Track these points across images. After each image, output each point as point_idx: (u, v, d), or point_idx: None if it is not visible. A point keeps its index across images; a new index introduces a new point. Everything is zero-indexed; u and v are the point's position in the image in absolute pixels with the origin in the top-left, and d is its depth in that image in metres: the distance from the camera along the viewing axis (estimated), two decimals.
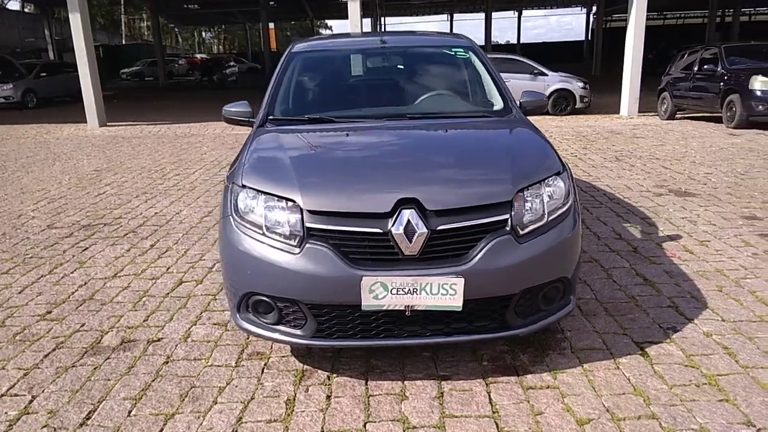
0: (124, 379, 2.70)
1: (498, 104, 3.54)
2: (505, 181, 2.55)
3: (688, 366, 2.68)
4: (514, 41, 45.47)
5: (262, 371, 2.74)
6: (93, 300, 3.60)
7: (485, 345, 2.85)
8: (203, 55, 46.74)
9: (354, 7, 12.81)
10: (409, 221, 2.36)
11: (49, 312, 3.45)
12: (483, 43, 32.14)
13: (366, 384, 2.62)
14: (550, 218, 2.54)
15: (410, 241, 2.36)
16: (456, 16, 44.61)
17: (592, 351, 2.84)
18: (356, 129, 3.23)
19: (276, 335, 2.57)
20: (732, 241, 4.30)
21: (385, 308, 2.38)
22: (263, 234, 2.50)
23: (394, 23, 43.95)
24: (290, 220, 2.45)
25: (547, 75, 13.11)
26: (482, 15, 34.96)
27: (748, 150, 8.12)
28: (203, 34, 70.44)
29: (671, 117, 11.89)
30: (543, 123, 10.68)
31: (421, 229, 2.36)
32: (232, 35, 70.68)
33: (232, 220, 2.60)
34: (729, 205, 5.31)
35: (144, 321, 3.30)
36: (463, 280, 2.33)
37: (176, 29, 59.10)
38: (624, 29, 12.79)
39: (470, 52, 3.94)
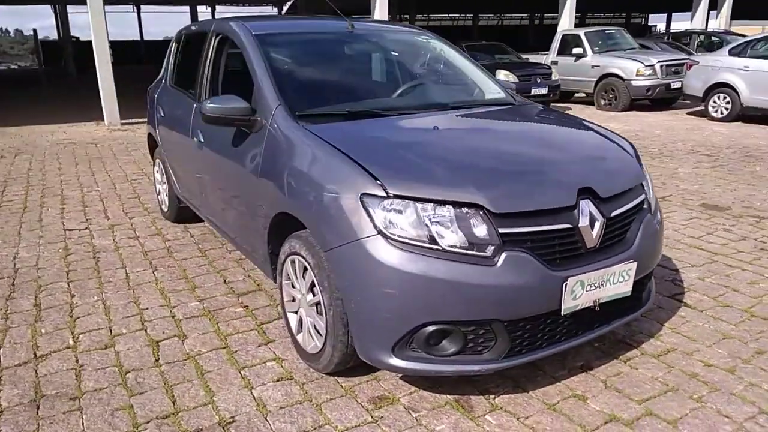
0: None
1: (500, 92, 3.49)
2: (634, 162, 2.57)
3: None
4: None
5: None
6: None
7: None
8: None
9: None
10: (590, 212, 2.20)
11: None
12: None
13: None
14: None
15: (593, 233, 2.19)
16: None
17: None
18: (431, 122, 2.85)
19: (455, 367, 2.18)
20: None
21: (578, 308, 2.18)
22: (441, 249, 2.07)
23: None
24: (477, 228, 2.08)
25: None
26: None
27: None
28: None
29: None
30: None
31: (600, 219, 2.24)
32: None
33: (381, 241, 2.09)
34: None
35: None
36: (635, 263, 2.29)
37: None
38: None
39: (439, 41, 3.87)
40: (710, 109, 10.24)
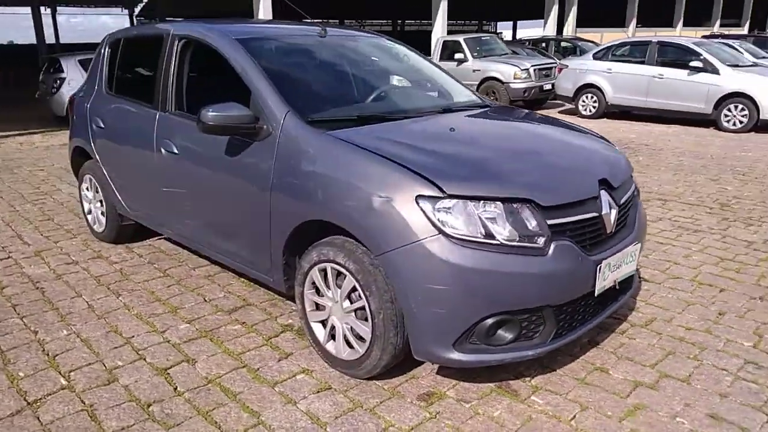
0: None
1: (471, 94, 3.70)
2: (622, 155, 2.88)
3: None
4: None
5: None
6: None
7: None
8: None
9: None
10: (608, 200, 2.47)
11: None
12: None
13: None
14: None
15: (611, 219, 2.46)
16: None
17: None
18: (444, 125, 2.99)
19: (512, 354, 2.31)
20: None
21: (605, 288, 2.43)
22: (499, 244, 2.19)
23: None
24: (529, 222, 2.23)
25: None
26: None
27: None
28: None
29: None
30: None
31: (614, 206, 2.50)
32: None
33: (442, 240, 2.17)
34: None
35: None
36: (640, 245, 2.59)
37: None
38: None
39: (404, 46, 4.01)
40: (580, 107, 11.39)
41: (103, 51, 4.20)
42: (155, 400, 2.48)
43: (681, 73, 9.90)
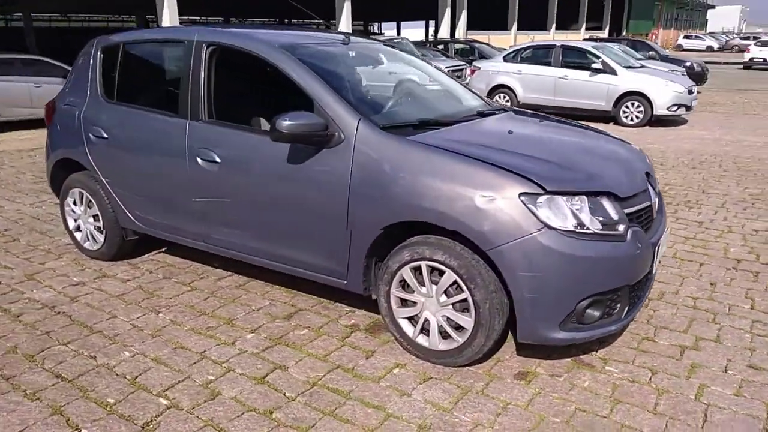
0: None
1: (481, 98, 4.02)
2: (643, 152, 3.35)
3: None
4: None
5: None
6: None
7: None
8: None
9: None
10: (651, 190, 2.90)
11: None
12: None
13: None
14: None
15: (655, 207, 2.90)
16: None
17: None
18: (501, 127, 3.30)
19: (599, 330, 2.65)
20: None
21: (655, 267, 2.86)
22: (593, 233, 2.51)
23: None
24: (612, 212, 2.58)
25: None
26: None
27: None
28: None
29: None
30: None
31: (656, 195, 2.95)
32: None
33: (549, 232, 2.45)
34: None
35: None
36: (668, 229, 3.06)
37: None
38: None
39: (414, 52, 4.25)
40: None
41: (94, 56, 3.97)
42: (273, 407, 2.52)
43: (583, 74, 10.96)
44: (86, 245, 4.21)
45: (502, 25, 26.91)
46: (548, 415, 2.45)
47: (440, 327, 2.76)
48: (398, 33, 46.14)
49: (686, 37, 48.46)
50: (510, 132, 3.20)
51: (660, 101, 10.40)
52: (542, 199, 2.49)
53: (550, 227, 2.46)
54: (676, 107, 10.46)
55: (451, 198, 2.57)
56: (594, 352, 2.94)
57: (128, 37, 3.91)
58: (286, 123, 2.77)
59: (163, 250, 4.38)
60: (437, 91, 3.92)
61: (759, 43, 28.51)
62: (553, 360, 2.87)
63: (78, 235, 4.26)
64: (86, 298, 3.60)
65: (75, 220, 4.24)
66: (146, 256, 4.28)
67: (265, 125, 3.78)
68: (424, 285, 2.76)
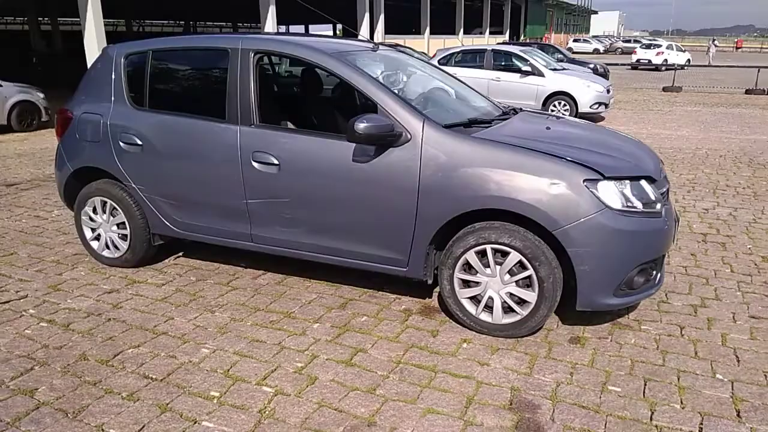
0: None
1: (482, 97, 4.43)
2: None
3: None
4: None
5: None
6: None
7: None
8: None
9: None
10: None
11: None
12: None
13: None
14: None
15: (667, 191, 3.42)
16: None
17: None
18: (541, 124, 3.77)
19: (642, 294, 3.10)
20: None
21: None
22: (640, 212, 2.94)
23: None
24: (652, 193, 3.03)
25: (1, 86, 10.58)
26: None
27: None
28: None
29: None
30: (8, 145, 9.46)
31: (668, 181, 3.47)
32: None
33: (609, 212, 2.86)
34: None
35: None
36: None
37: None
38: None
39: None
40: None
41: (114, 64, 3.94)
42: (373, 385, 2.74)
43: (514, 77, 11.75)
44: (105, 253, 4.15)
45: (416, 30, 27.79)
46: (613, 370, 2.85)
47: (503, 303, 3.10)
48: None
49: (575, 40, 52.14)
50: (548, 128, 3.60)
51: (583, 100, 11.37)
52: (601, 184, 2.89)
53: (608, 207, 2.87)
54: (597, 105, 11.47)
55: (521, 186, 2.91)
56: (627, 316, 3.39)
57: (156, 44, 3.90)
58: (362, 125, 3.00)
59: (180, 254, 4.39)
60: (459, 92, 4.24)
61: (644, 46, 31.40)
62: (595, 325, 3.29)
63: (95, 245, 4.18)
64: (129, 304, 3.59)
65: (93, 230, 4.16)
66: (167, 261, 4.28)
67: (318, 128, 3.91)
68: (488, 266, 3.08)
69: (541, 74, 11.55)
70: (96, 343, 3.12)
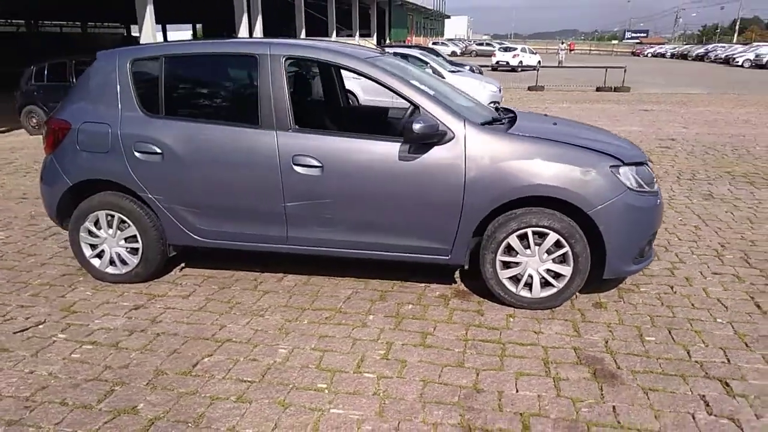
0: None
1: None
2: None
3: None
4: None
5: None
6: None
7: None
8: None
9: None
10: None
11: None
12: None
13: None
14: None
15: None
16: None
17: None
18: (548, 122, 4.23)
19: (648, 261, 3.70)
20: None
21: None
22: (647, 191, 3.52)
23: None
24: (650, 175, 3.63)
25: None
26: None
27: None
28: None
29: None
30: None
31: None
32: None
33: (630, 193, 3.40)
34: None
35: None
36: None
37: None
38: None
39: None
40: None
41: (119, 70, 3.76)
42: (459, 360, 3.03)
43: None
44: (109, 270, 3.95)
45: (292, 32, 27.72)
46: (640, 324, 3.41)
47: (541, 279, 3.53)
48: (165, 37, 43.65)
49: (434, 43, 55.02)
50: (554, 124, 4.10)
51: (480, 99, 12.29)
52: (622, 169, 3.43)
53: (629, 189, 3.41)
54: (492, 104, 12.47)
55: (561, 175, 3.35)
56: (625, 282, 3.99)
57: (167, 50, 3.79)
58: (418, 126, 3.28)
59: (183, 265, 4.29)
60: (461, 94, 4.61)
61: (502, 49, 34.12)
62: (605, 292, 3.85)
63: (96, 262, 3.96)
64: (167, 318, 3.51)
65: (93, 246, 3.94)
66: (173, 273, 4.17)
67: (351, 130, 4.01)
68: (528, 248, 3.49)
69: (441, 76, 12.29)
70: (163, 358, 3.06)
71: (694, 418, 2.56)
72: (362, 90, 12.60)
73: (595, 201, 3.36)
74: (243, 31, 22.58)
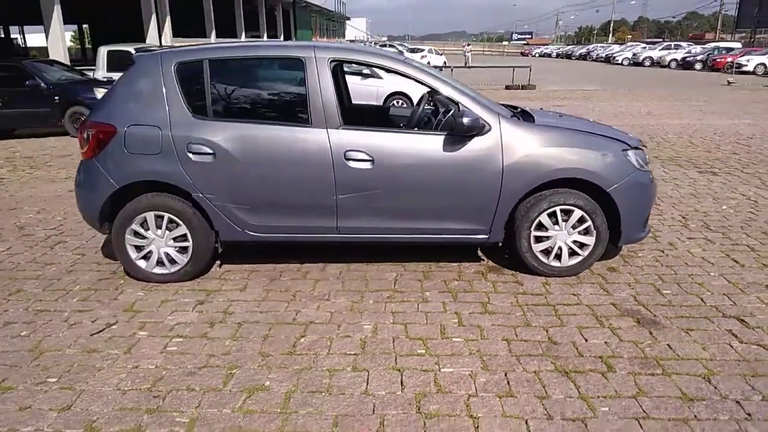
0: None
1: None
2: None
3: None
4: None
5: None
6: None
7: None
8: None
9: None
10: None
11: None
12: None
13: None
14: None
15: None
16: None
17: None
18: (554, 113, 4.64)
19: (648, 230, 4.33)
20: None
21: None
22: (645, 170, 4.13)
23: None
24: (646, 157, 4.26)
25: None
26: None
27: None
28: None
29: None
30: None
31: None
32: None
33: (639, 172, 4.00)
34: None
35: None
36: None
37: None
38: None
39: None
40: None
41: (163, 74, 3.83)
42: (524, 322, 3.46)
43: (356, 79, 12.69)
44: (156, 271, 4.01)
45: (202, 33, 27.02)
46: (654, 281, 4.03)
47: (569, 249, 4.06)
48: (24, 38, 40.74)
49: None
50: (561, 115, 4.63)
51: (417, 98, 12.90)
52: (630, 152, 4.03)
53: (637, 169, 4.01)
54: None
55: (585, 159, 3.89)
56: (625, 249, 4.63)
57: (209, 53, 3.90)
58: (467, 120, 3.69)
59: (219, 263, 4.40)
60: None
61: (409, 50, 35.16)
62: (611, 259, 4.46)
63: (142, 264, 4.00)
64: (237, 309, 3.67)
65: (139, 248, 3.97)
66: (213, 271, 4.28)
67: (389, 125, 4.27)
68: (557, 223, 4.00)
69: (379, 77, 12.74)
70: (259, 343, 3.25)
71: (731, 346, 3.17)
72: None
73: (613, 180, 3.93)
74: (152, 32, 21.88)
